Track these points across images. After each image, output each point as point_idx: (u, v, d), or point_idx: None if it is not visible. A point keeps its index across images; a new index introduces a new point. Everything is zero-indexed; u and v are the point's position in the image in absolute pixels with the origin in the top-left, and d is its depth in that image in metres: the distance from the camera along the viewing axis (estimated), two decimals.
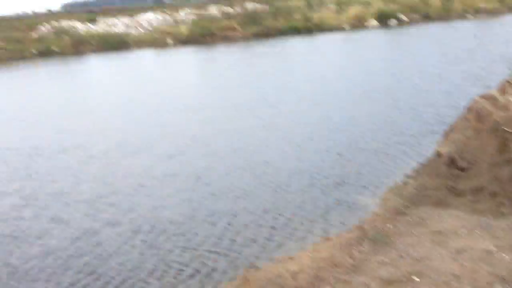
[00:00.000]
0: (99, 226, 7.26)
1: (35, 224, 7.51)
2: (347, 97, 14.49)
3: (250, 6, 42.15)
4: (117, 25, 39.94)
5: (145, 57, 30.58)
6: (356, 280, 4.55)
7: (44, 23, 40.43)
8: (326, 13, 39.14)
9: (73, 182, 9.18)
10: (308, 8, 41.78)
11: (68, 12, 71.08)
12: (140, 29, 39.26)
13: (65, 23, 39.93)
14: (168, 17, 41.63)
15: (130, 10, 55.99)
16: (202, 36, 34.65)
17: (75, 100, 17.87)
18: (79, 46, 34.98)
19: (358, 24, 36.39)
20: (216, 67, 23.72)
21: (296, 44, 30.27)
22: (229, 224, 6.98)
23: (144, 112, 14.60)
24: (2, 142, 12.48)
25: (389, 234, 5.42)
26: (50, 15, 58.29)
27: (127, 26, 39.78)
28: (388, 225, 5.71)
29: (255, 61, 24.16)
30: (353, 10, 38.01)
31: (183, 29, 36.06)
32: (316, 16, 37.96)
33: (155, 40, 35.39)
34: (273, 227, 6.78)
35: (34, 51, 34.35)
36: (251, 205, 7.53)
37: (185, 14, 42.15)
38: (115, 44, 34.81)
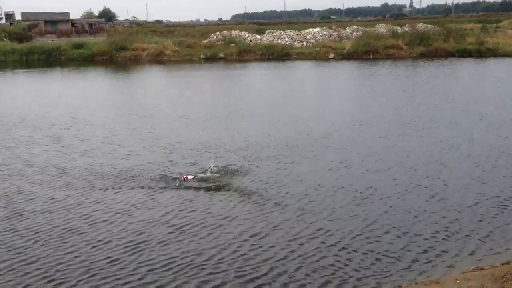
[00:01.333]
0: None
1: None
2: None
3: (420, 26, 40.41)
4: (283, 37, 40.53)
5: (304, 67, 30.39)
6: None
7: (217, 32, 42.58)
8: (503, 38, 36.52)
9: None
10: (483, 32, 39.22)
11: (238, 22, 74.49)
12: (304, 42, 39.46)
13: (235, 33, 41.50)
14: (334, 33, 41.36)
15: (297, 24, 56.97)
16: (365, 52, 33.81)
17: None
18: (244, 54, 36.09)
19: None
20: (376, 80, 22.58)
21: (468, 67, 27.83)
22: None
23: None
24: None
25: None
26: (221, 25, 61.54)
27: (292, 38, 40.19)
28: None
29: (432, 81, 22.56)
30: None
31: (346, 45, 35.46)
32: (492, 40, 35.29)
33: (317, 53, 35.23)
34: None
35: (202, 56, 36.23)
36: None
37: (352, 31, 41.58)
38: (277, 54, 35.34)
